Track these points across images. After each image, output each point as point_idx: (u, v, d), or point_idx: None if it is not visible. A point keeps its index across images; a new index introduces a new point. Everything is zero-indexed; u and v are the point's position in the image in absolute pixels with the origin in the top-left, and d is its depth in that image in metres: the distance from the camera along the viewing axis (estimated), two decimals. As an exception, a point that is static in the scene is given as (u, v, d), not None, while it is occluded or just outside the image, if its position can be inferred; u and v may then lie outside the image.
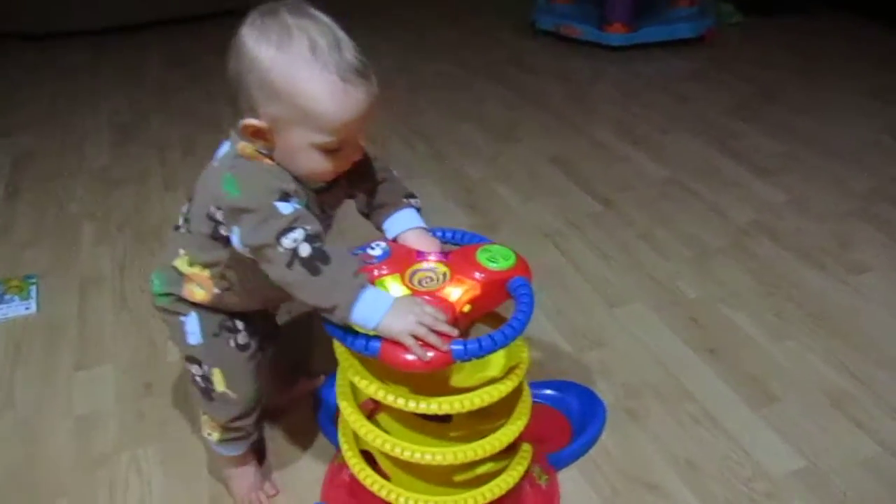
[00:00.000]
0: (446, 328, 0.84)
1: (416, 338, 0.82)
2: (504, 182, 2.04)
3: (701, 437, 1.24)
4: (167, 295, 1.06)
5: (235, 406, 1.09)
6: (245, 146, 0.92)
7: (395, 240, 1.01)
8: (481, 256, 0.95)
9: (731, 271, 1.66)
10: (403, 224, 1.02)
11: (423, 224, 1.03)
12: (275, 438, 1.28)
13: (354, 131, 0.89)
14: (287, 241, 0.84)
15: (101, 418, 1.33)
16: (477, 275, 0.93)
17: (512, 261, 0.95)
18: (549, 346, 1.45)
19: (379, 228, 1.04)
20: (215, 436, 1.13)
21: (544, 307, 1.52)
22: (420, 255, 0.98)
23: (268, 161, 0.91)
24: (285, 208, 0.85)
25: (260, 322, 1.13)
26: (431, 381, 0.93)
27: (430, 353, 0.82)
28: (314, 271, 0.84)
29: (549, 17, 3.09)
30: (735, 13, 3.24)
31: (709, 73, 2.80)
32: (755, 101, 2.53)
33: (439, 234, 1.04)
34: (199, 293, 1.03)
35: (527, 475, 1.06)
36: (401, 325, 0.83)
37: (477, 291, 0.92)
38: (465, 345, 0.84)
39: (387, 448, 0.93)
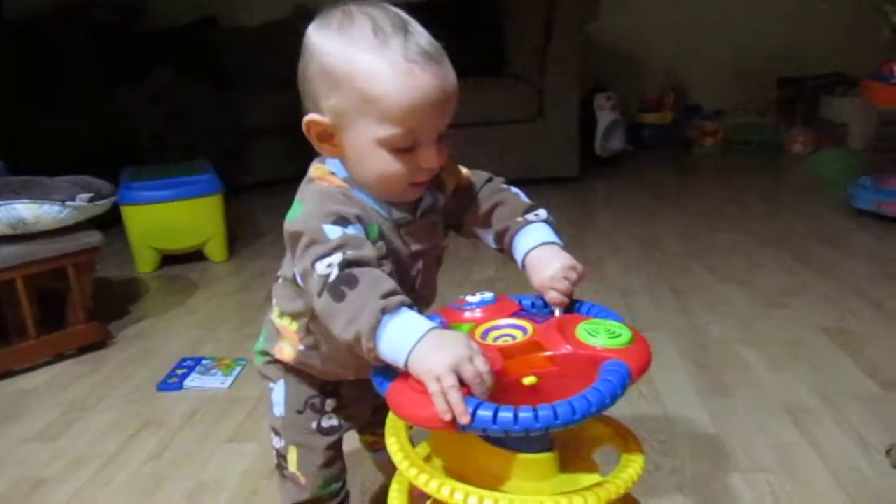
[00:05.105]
0: (481, 389, 0.63)
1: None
2: (753, 346, 1.65)
3: None
4: (263, 354, 0.97)
5: (303, 491, 0.96)
6: (316, 168, 0.83)
7: (524, 265, 0.83)
8: (582, 327, 0.71)
9: None
10: (528, 242, 0.83)
11: (554, 239, 0.83)
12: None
13: (427, 126, 0.75)
14: (321, 267, 0.71)
15: (219, 488, 1.28)
16: (564, 347, 0.69)
17: (620, 340, 0.69)
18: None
19: (514, 259, 0.86)
20: None
21: (759, 499, 1.13)
22: (518, 312, 0.78)
23: (337, 182, 0.80)
24: (333, 232, 0.73)
25: (356, 403, 0.97)
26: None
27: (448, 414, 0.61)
28: (338, 297, 0.69)
29: (869, 194, 2.62)
30: None
31: None
32: None
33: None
34: (287, 350, 0.92)
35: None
36: (432, 362, 0.63)
37: (552, 366, 0.68)
38: (476, 410, 0.60)
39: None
